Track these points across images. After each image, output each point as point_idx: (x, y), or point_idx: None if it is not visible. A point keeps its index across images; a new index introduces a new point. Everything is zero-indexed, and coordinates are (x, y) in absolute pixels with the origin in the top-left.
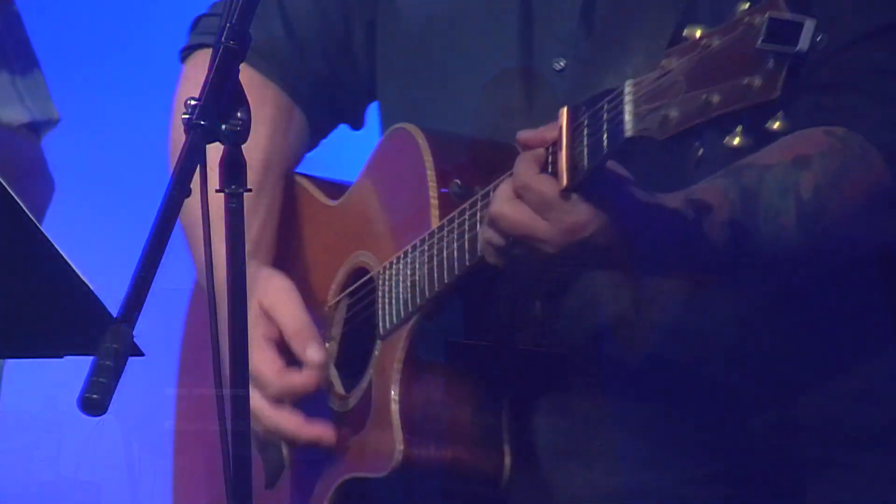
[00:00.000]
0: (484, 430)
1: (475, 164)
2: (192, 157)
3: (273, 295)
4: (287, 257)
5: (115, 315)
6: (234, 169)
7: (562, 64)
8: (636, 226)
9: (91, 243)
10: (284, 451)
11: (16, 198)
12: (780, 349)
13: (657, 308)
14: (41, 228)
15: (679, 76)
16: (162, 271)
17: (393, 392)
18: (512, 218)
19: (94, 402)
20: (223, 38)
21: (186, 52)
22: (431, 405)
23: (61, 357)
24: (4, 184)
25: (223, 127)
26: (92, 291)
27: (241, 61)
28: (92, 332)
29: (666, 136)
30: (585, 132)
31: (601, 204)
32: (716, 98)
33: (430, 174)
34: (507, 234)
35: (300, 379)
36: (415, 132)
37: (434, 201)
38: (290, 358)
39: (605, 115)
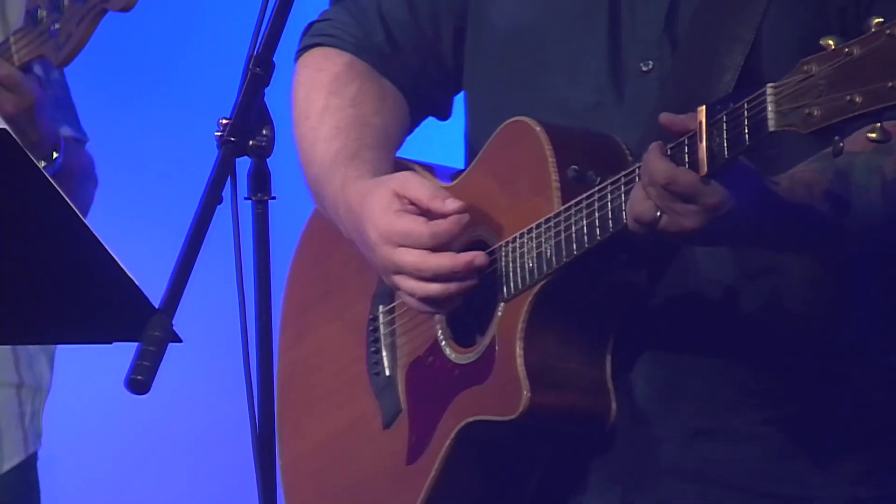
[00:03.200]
0: (593, 379)
1: (588, 151)
2: (223, 170)
3: (400, 179)
4: None
5: (157, 306)
6: (260, 179)
7: (649, 66)
8: (760, 206)
9: (133, 244)
10: (401, 395)
11: (71, 205)
12: (840, 309)
13: (759, 278)
14: (93, 231)
15: (821, 80)
16: (196, 268)
17: (518, 348)
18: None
19: (140, 382)
20: (250, 66)
21: (300, 54)
22: (550, 358)
23: (110, 343)
24: (60, 191)
25: (251, 143)
26: (137, 286)
27: (266, 86)
28: (137, 322)
29: (809, 130)
30: (725, 127)
31: (734, 188)
32: (858, 98)
33: (551, 160)
34: (658, 211)
35: (446, 225)
36: (532, 123)
37: (556, 184)
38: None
39: (745, 112)
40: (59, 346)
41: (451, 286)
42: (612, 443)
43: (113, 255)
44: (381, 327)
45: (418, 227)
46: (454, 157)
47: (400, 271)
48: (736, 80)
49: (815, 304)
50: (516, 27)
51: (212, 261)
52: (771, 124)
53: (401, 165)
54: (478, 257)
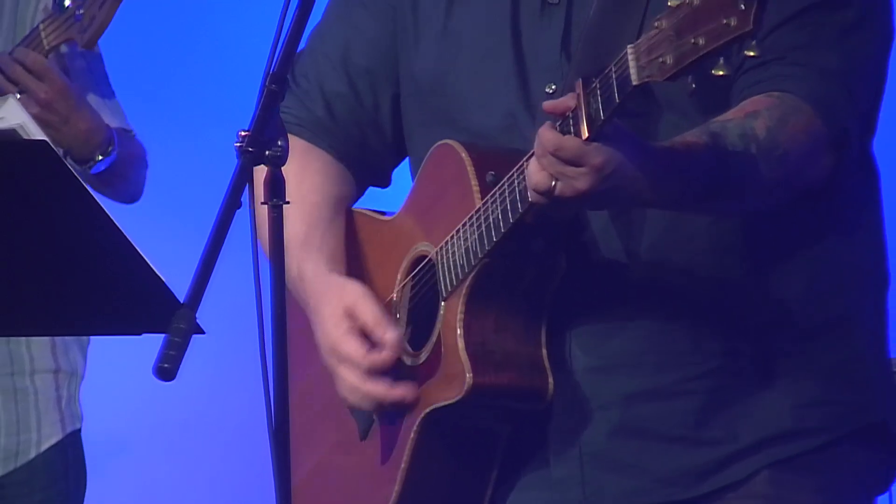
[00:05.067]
0: (530, 357)
1: (504, 161)
2: (242, 177)
3: (352, 297)
4: (357, 269)
5: (182, 301)
6: (275, 186)
7: (553, 87)
8: (642, 163)
9: (161, 244)
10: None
11: (105, 210)
12: (747, 269)
13: (649, 243)
14: (125, 234)
15: (670, 31)
16: (217, 267)
17: (459, 332)
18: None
19: (167, 369)
20: (267, 83)
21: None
22: (489, 341)
23: (140, 334)
24: (91, 193)
25: (267, 153)
26: (164, 283)
27: (282, 100)
28: (164, 315)
29: (665, 76)
30: (598, 92)
31: (616, 147)
32: (702, 40)
33: (470, 169)
34: (553, 179)
35: (381, 357)
36: (453, 143)
37: (476, 188)
38: (371, 344)
39: (613, 75)
40: (95, 338)
41: (378, 407)
42: (557, 413)
43: (143, 255)
44: None
45: (358, 355)
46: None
47: (339, 382)
48: None
49: (724, 267)
50: (436, 75)
51: (232, 260)
52: (633, 78)
53: (351, 213)
54: (407, 395)
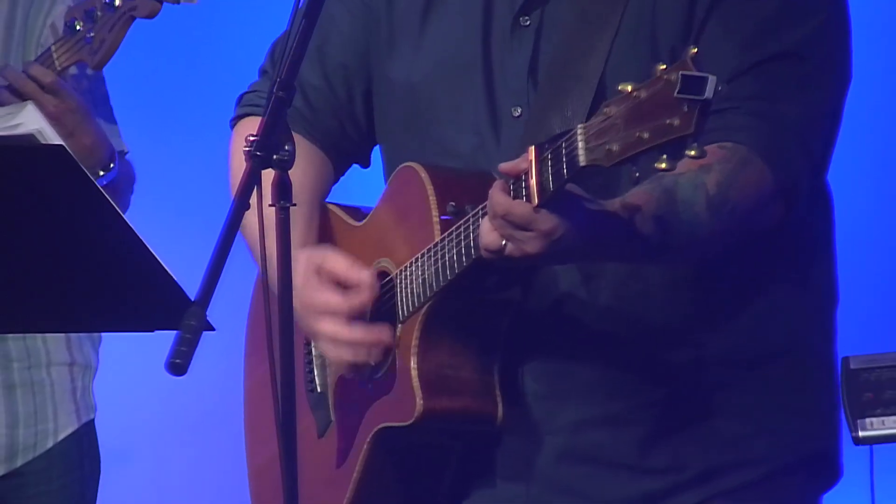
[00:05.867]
0: (481, 384)
1: (464, 188)
2: (251, 180)
3: (319, 256)
4: None
5: (192, 299)
6: (282, 188)
7: (518, 111)
8: (590, 228)
9: (173, 245)
10: (331, 408)
11: (120, 212)
12: (696, 305)
13: (605, 282)
14: (139, 236)
15: (618, 119)
16: (227, 266)
17: (412, 362)
18: (503, 234)
19: (178, 364)
20: (275, 90)
21: (235, 122)
22: (443, 368)
23: (152, 331)
24: (110, 199)
25: (274, 157)
26: (176, 282)
27: (288, 107)
28: (175, 313)
29: (611, 163)
30: (549, 163)
31: (564, 214)
32: (646, 134)
33: (432, 199)
34: (503, 240)
35: (360, 298)
36: (418, 168)
37: (436, 220)
38: (345, 291)
39: (563, 151)
40: (109, 337)
41: (360, 354)
42: (509, 439)
43: (156, 255)
44: (314, 349)
45: (336, 302)
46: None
47: (320, 339)
48: (585, 119)
49: (676, 302)
50: (411, 84)
51: (240, 259)
52: (581, 160)
53: (326, 209)
54: (384, 333)
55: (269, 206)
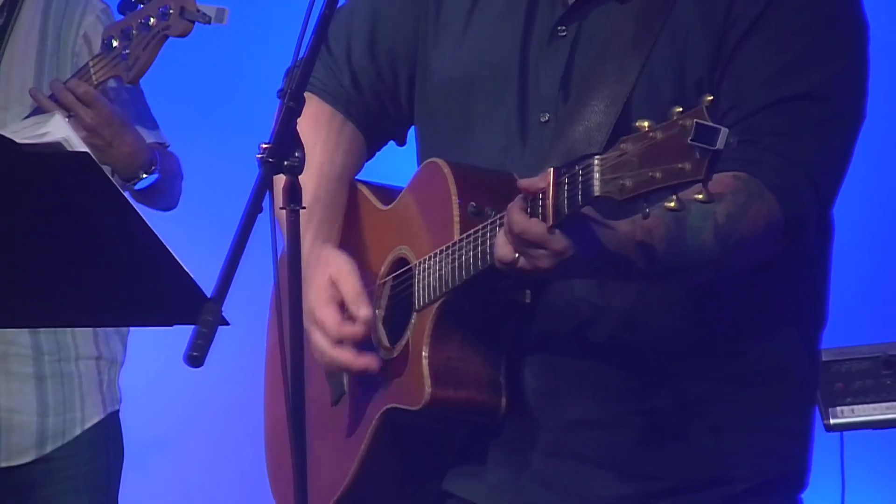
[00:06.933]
0: (487, 378)
1: (486, 188)
2: (263, 185)
3: (338, 268)
4: (350, 243)
5: (209, 296)
6: (293, 193)
7: (546, 117)
8: (600, 248)
9: (190, 245)
10: (345, 379)
11: (141, 214)
12: (703, 320)
13: (616, 297)
14: (159, 236)
15: (633, 157)
16: (241, 265)
17: (424, 351)
18: (518, 251)
19: (196, 357)
20: (285, 100)
21: (281, 93)
22: (452, 360)
23: (171, 326)
24: (128, 199)
25: (285, 163)
26: (193, 280)
27: (299, 116)
28: (193, 309)
29: (623, 198)
30: (566, 188)
31: (577, 235)
32: (658, 175)
33: (454, 198)
34: (517, 254)
35: (352, 329)
36: (443, 165)
37: (457, 218)
38: (348, 316)
39: (580, 178)
40: (133, 328)
41: (350, 372)
42: (507, 429)
43: (175, 255)
44: None
45: (332, 323)
46: (410, 171)
47: (311, 343)
48: (608, 136)
49: (675, 317)
50: (449, 79)
51: (253, 258)
52: (596, 190)
53: (355, 188)
54: (371, 365)
55: (280, 209)
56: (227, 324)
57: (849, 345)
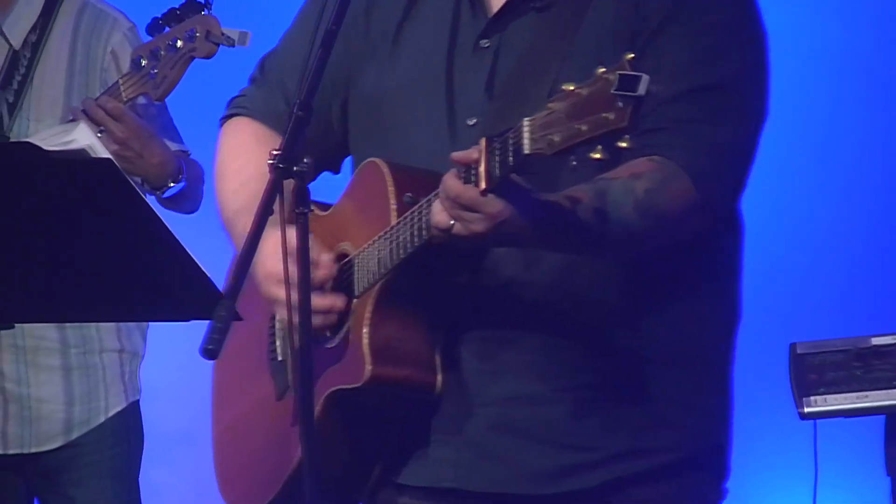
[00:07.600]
0: (425, 357)
1: (421, 183)
2: (274, 189)
3: (288, 232)
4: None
5: (222, 292)
6: (302, 196)
7: (473, 121)
8: (532, 213)
9: (205, 246)
10: (289, 374)
11: (160, 217)
12: (625, 297)
13: (545, 269)
14: (177, 237)
15: (560, 113)
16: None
17: (364, 330)
18: (452, 215)
19: (211, 350)
20: (295, 110)
21: (224, 121)
22: (389, 339)
23: (188, 321)
24: (147, 201)
25: (295, 169)
26: (208, 277)
27: (307, 125)
28: (208, 305)
29: (553, 152)
30: (497, 153)
31: (509, 200)
32: (585, 127)
33: (391, 189)
34: (452, 219)
35: (317, 274)
36: (380, 163)
37: (393, 206)
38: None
39: (510, 141)
40: (152, 324)
41: (315, 319)
42: (448, 407)
43: (191, 254)
44: (277, 322)
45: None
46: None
47: (279, 304)
48: None
49: (607, 299)
50: (381, 94)
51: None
52: (526, 148)
53: None
54: (336, 303)
55: (294, 212)
56: (241, 319)
57: (822, 339)
